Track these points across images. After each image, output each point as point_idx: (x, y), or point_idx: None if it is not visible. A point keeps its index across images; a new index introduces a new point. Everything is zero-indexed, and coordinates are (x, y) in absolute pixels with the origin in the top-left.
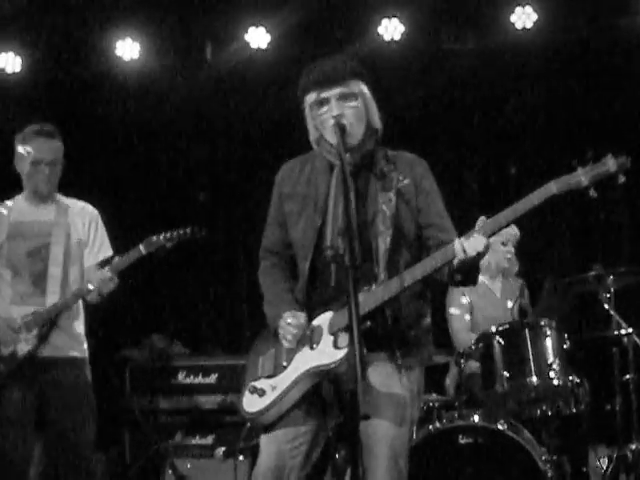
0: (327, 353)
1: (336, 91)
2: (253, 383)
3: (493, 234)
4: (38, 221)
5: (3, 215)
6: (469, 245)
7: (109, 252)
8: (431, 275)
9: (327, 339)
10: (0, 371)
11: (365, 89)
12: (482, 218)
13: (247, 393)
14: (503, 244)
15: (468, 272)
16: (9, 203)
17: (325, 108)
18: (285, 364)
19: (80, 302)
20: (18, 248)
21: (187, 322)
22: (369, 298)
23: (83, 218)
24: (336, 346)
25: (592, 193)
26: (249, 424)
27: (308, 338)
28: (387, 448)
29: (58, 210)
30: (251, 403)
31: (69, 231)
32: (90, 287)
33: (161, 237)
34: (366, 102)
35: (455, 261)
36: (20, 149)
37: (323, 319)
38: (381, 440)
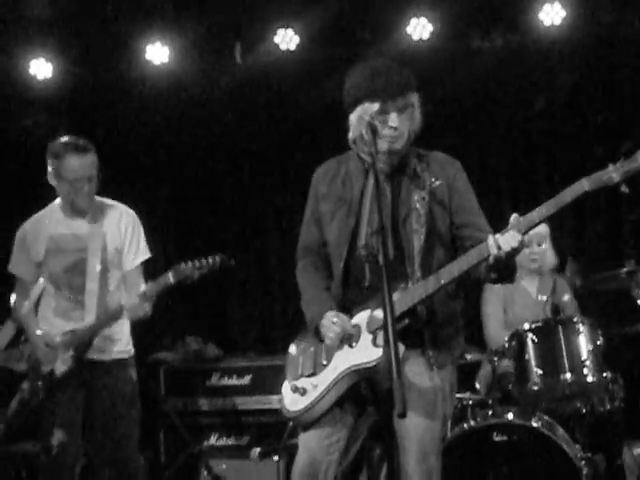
0: (366, 351)
1: (399, 104)
2: (294, 382)
3: (527, 231)
4: (74, 235)
5: (41, 228)
6: (503, 241)
7: (146, 255)
8: (468, 273)
9: (366, 337)
10: (40, 388)
11: (417, 100)
12: (515, 215)
13: (289, 392)
14: (526, 246)
15: (504, 270)
16: (44, 213)
17: (383, 117)
18: (325, 362)
19: (110, 288)
20: (56, 264)
21: (221, 324)
22: (406, 296)
23: (119, 223)
24: (375, 344)
25: (624, 189)
26: (292, 423)
27: (347, 337)
28: (416, 444)
29: (94, 219)
30: (293, 402)
31: (105, 241)
32: (124, 313)
33: (189, 266)
34: (415, 113)
35: (490, 258)
36: (54, 165)
37: (361, 318)
38: (411, 436)
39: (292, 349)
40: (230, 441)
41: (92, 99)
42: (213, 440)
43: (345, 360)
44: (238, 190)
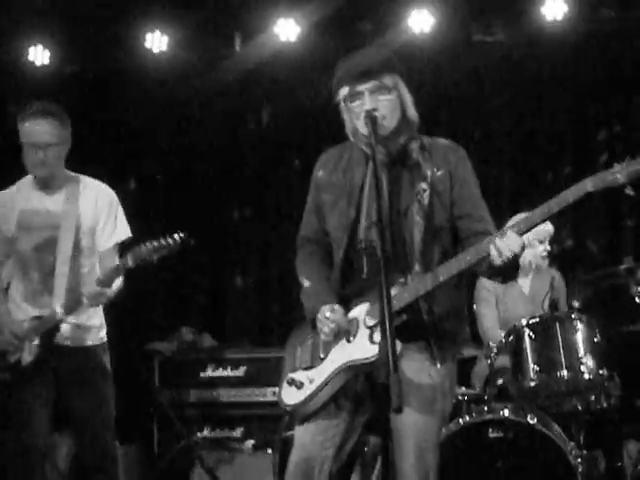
0: (363, 347)
1: (369, 85)
2: (291, 375)
3: (528, 231)
4: (47, 210)
5: (12, 202)
6: (504, 246)
7: (123, 235)
8: (467, 270)
9: (363, 332)
10: (7, 380)
11: (400, 82)
12: (519, 215)
13: (285, 385)
14: (540, 242)
15: (507, 271)
16: (16, 187)
17: (358, 102)
18: (322, 356)
19: (82, 271)
20: (26, 241)
21: (216, 315)
22: (404, 292)
23: (95, 202)
24: (372, 340)
25: (628, 191)
26: (287, 416)
27: (345, 331)
28: (414, 441)
29: (68, 196)
30: (289, 395)
31: (79, 221)
32: (85, 302)
33: (148, 247)
34: (401, 95)
35: (494, 263)
36: (19, 129)
37: (359, 311)
38: (407, 432)
39: (291, 339)
40: (224, 433)
41: (90, 86)
42: (207, 432)
43: (342, 355)
44: (236, 179)
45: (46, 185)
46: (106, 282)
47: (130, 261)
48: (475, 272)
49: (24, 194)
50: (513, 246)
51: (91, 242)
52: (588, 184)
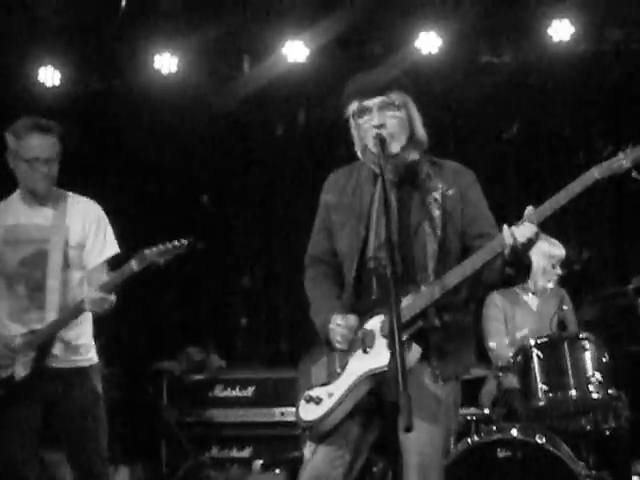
0: (381, 356)
1: (377, 100)
2: (308, 392)
3: (539, 222)
4: (34, 225)
5: (2, 219)
6: (519, 232)
7: (112, 251)
8: (481, 271)
9: (380, 342)
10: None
11: (409, 101)
12: (529, 208)
13: (303, 402)
14: (553, 266)
15: (519, 262)
16: (3, 204)
17: (366, 117)
18: (339, 370)
19: (71, 287)
20: (12, 256)
21: (224, 334)
22: (419, 298)
23: (83, 217)
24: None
25: (635, 175)
26: (306, 433)
27: (361, 342)
28: (417, 458)
29: (56, 211)
30: (308, 412)
31: (67, 235)
32: (85, 307)
33: (154, 251)
34: (409, 113)
35: (506, 251)
36: (13, 145)
37: (375, 323)
38: (412, 450)
39: (302, 362)
40: (232, 453)
41: (100, 107)
42: (215, 452)
43: (360, 366)
44: (245, 199)
45: (36, 201)
46: (109, 287)
47: (135, 265)
48: (485, 280)
49: (11, 210)
50: (528, 232)
51: (77, 258)
52: (595, 172)
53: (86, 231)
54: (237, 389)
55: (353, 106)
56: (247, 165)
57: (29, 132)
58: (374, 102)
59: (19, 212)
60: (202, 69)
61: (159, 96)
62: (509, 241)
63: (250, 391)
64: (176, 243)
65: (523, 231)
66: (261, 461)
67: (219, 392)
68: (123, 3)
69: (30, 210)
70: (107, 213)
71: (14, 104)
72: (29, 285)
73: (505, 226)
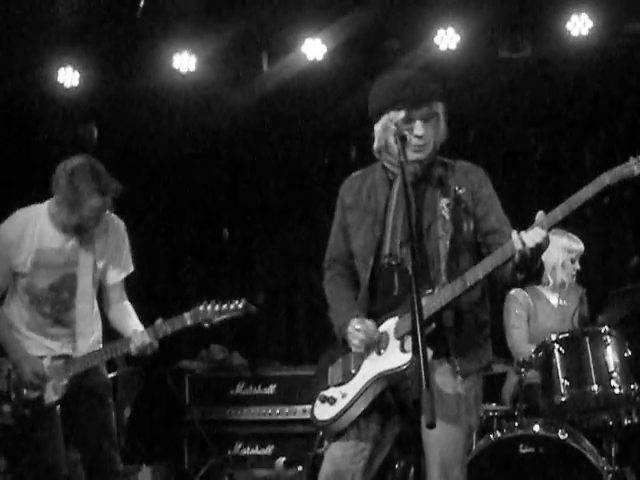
0: (394, 357)
1: (424, 113)
2: (323, 392)
3: (551, 227)
4: (63, 250)
5: (26, 237)
6: (527, 237)
7: (130, 269)
8: (493, 274)
9: (394, 344)
10: (26, 415)
11: (442, 110)
12: (540, 213)
13: (318, 402)
14: (572, 261)
15: (530, 268)
16: (29, 217)
17: (409, 126)
18: (354, 371)
19: (96, 306)
20: (41, 280)
21: (246, 333)
22: (432, 300)
23: (107, 234)
24: (403, 350)
25: None
26: (321, 432)
27: (375, 344)
28: (439, 455)
29: (83, 233)
30: (323, 412)
31: (95, 258)
32: (132, 353)
33: (209, 309)
34: (440, 122)
35: (515, 256)
36: (69, 193)
37: (389, 325)
38: (433, 447)
39: (320, 362)
40: (254, 451)
41: (119, 108)
42: (237, 449)
43: (374, 367)
44: (264, 198)
45: (62, 222)
46: (157, 335)
47: (189, 320)
48: (500, 281)
49: (38, 228)
50: (537, 238)
51: (100, 275)
52: (606, 178)
53: (109, 248)
54: (259, 387)
55: (397, 114)
56: (267, 163)
57: (91, 192)
58: (420, 113)
59: (47, 233)
60: (221, 68)
61: (178, 95)
62: (518, 246)
63: (272, 389)
64: (232, 306)
65: (532, 237)
66: (283, 458)
67: (241, 390)
68: (141, 3)
69: (58, 232)
70: (124, 213)
71: (33, 105)
72: (56, 307)
73: (514, 232)
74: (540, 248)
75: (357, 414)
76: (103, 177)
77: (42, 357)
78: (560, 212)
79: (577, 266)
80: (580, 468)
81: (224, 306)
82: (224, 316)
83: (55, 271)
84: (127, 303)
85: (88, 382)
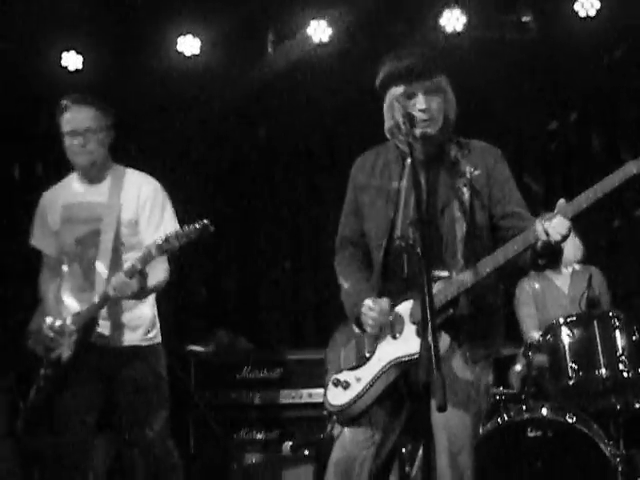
0: (410, 343)
1: (425, 86)
2: (336, 376)
3: (575, 217)
4: (88, 203)
5: (58, 197)
6: (552, 228)
7: (169, 228)
8: (513, 260)
9: (409, 328)
10: (49, 375)
11: (448, 84)
12: (561, 201)
13: (331, 386)
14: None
15: (551, 255)
16: (63, 182)
17: (411, 101)
18: (368, 355)
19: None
20: (69, 234)
21: (252, 317)
22: (450, 286)
23: (138, 193)
24: (419, 335)
25: None
26: (334, 417)
27: (390, 327)
28: (448, 439)
29: (110, 188)
30: (336, 396)
31: (120, 213)
32: (110, 293)
33: (172, 234)
34: (447, 96)
35: (539, 244)
36: (58, 121)
37: (404, 308)
38: (442, 431)
39: (333, 342)
40: (260, 435)
41: (123, 91)
42: (243, 434)
43: (389, 352)
44: (269, 182)
45: (89, 177)
46: (130, 272)
47: (153, 250)
48: (517, 266)
49: (67, 189)
50: (561, 228)
51: (133, 236)
52: (632, 167)
53: (140, 207)
54: (265, 371)
55: (398, 89)
56: (272, 147)
57: (68, 107)
58: (421, 87)
59: (74, 190)
60: (225, 51)
61: (182, 78)
62: (542, 237)
63: (278, 373)
64: (191, 227)
65: (557, 228)
66: (290, 443)
67: (247, 374)
68: None
69: (84, 187)
70: None
71: (36, 89)
72: (83, 265)
73: (537, 221)
74: (564, 238)
75: (372, 400)
76: (82, 94)
77: (65, 318)
78: (584, 200)
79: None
80: (588, 452)
81: (185, 228)
82: (185, 240)
83: (81, 226)
84: (162, 264)
85: (129, 369)
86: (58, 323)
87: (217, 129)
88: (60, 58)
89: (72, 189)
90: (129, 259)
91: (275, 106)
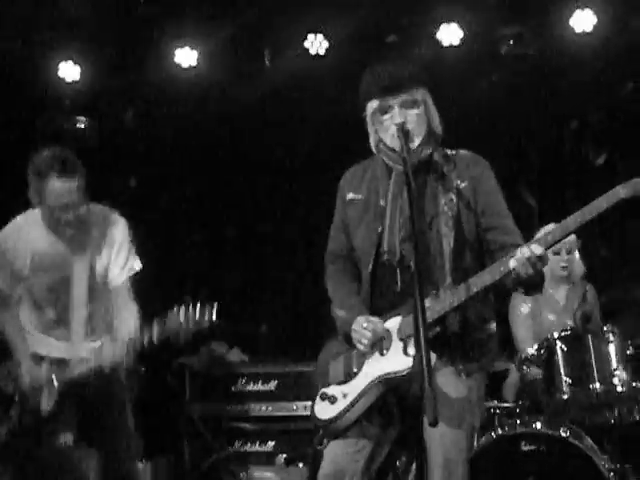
0: (397, 360)
1: (399, 99)
2: (324, 390)
3: (559, 241)
4: (57, 252)
5: (22, 240)
6: (522, 265)
7: (133, 269)
8: (500, 283)
9: (397, 345)
10: (30, 424)
11: (427, 95)
12: (547, 227)
13: (318, 399)
14: (555, 253)
15: (529, 284)
16: (25, 220)
17: (388, 115)
18: (356, 370)
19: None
20: (40, 283)
21: (246, 329)
22: (437, 304)
23: (105, 233)
24: (406, 353)
25: None
26: (321, 431)
27: (378, 344)
28: (441, 454)
29: (78, 230)
30: (323, 410)
31: (92, 260)
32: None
33: (174, 318)
34: (427, 108)
35: (518, 275)
36: (35, 184)
37: (392, 324)
38: (436, 446)
39: (322, 355)
40: (255, 447)
41: (120, 102)
42: (237, 446)
43: (376, 368)
44: (266, 193)
45: (56, 222)
46: (131, 349)
47: (155, 336)
48: (504, 286)
49: (33, 231)
50: (533, 260)
51: (104, 275)
52: (620, 191)
53: (109, 248)
54: (259, 383)
55: (373, 103)
56: (269, 159)
57: (52, 174)
58: (396, 101)
59: (42, 236)
60: (223, 63)
61: (179, 90)
62: (521, 273)
63: (272, 385)
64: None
65: (531, 260)
66: (284, 455)
67: (241, 386)
68: None
69: (52, 234)
70: (125, 208)
71: (35, 100)
72: (57, 309)
73: (511, 260)
74: (535, 266)
75: (357, 415)
76: (61, 154)
77: (43, 358)
78: (572, 224)
79: (564, 257)
80: (581, 466)
81: (190, 319)
82: (194, 328)
83: (52, 273)
84: (132, 309)
85: (104, 388)
86: (36, 373)
87: (213, 141)
88: (57, 69)
89: (38, 233)
90: (104, 299)
91: (271, 118)
